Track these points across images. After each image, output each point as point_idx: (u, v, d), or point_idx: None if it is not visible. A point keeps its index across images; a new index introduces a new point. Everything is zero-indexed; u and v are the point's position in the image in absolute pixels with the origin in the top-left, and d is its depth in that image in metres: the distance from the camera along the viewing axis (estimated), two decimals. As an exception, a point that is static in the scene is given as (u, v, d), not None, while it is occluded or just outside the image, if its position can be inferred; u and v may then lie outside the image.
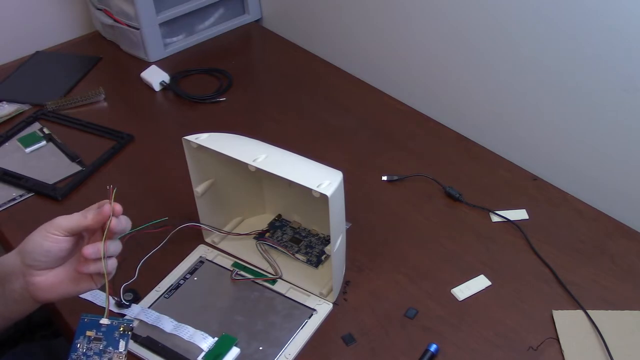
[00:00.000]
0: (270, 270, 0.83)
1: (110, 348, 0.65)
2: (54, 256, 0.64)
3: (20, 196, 0.97)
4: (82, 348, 0.64)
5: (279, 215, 0.91)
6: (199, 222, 0.85)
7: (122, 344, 0.65)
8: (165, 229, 0.85)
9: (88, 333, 0.65)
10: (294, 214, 0.90)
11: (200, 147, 0.77)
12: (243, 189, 0.88)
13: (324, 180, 0.69)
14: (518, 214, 0.91)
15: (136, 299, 0.79)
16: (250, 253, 0.86)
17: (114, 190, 0.64)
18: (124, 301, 0.78)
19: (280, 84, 1.24)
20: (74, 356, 0.64)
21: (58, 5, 1.38)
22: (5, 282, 0.66)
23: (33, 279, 0.64)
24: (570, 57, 0.88)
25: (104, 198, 0.99)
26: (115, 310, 0.78)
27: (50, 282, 0.65)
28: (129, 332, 0.66)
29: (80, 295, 0.80)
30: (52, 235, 0.63)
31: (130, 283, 0.81)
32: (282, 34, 1.40)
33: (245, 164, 0.73)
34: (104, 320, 0.65)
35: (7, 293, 0.66)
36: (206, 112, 1.16)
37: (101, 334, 0.65)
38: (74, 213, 0.65)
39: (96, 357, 0.64)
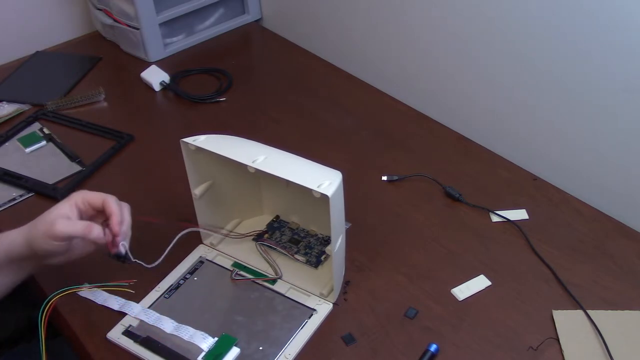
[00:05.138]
0: (270, 270, 0.83)
1: None
2: (57, 253, 0.74)
3: (20, 196, 0.97)
4: None
5: (277, 217, 0.91)
6: (198, 227, 0.85)
7: None
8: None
9: None
10: (292, 214, 0.90)
11: (198, 149, 0.77)
12: (241, 191, 0.88)
13: (324, 180, 0.69)
14: (518, 214, 0.91)
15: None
16: (250, 254, 0.86)
17: None
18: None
19: (280, 84, 1.24)
20: None
21: (58, 5, 1.38)
22: (22, 262, 0.76)
23: (45, 261, 0.76)
24: (570, 57, 0.88)
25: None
26: (116, 308, 0.78)
27: (61, 260, 0.76)
28: None
29: (81, 295, 0.80)
30: (52, 241, 0.71)
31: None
32: (282, 34, 1.40)
33: (245, 166, 0.73)
34: None
35: (22, 269, 0.77)
36: (206, 112, 1.16)
37: None
38: (77, 221, 0.74)
39: None
